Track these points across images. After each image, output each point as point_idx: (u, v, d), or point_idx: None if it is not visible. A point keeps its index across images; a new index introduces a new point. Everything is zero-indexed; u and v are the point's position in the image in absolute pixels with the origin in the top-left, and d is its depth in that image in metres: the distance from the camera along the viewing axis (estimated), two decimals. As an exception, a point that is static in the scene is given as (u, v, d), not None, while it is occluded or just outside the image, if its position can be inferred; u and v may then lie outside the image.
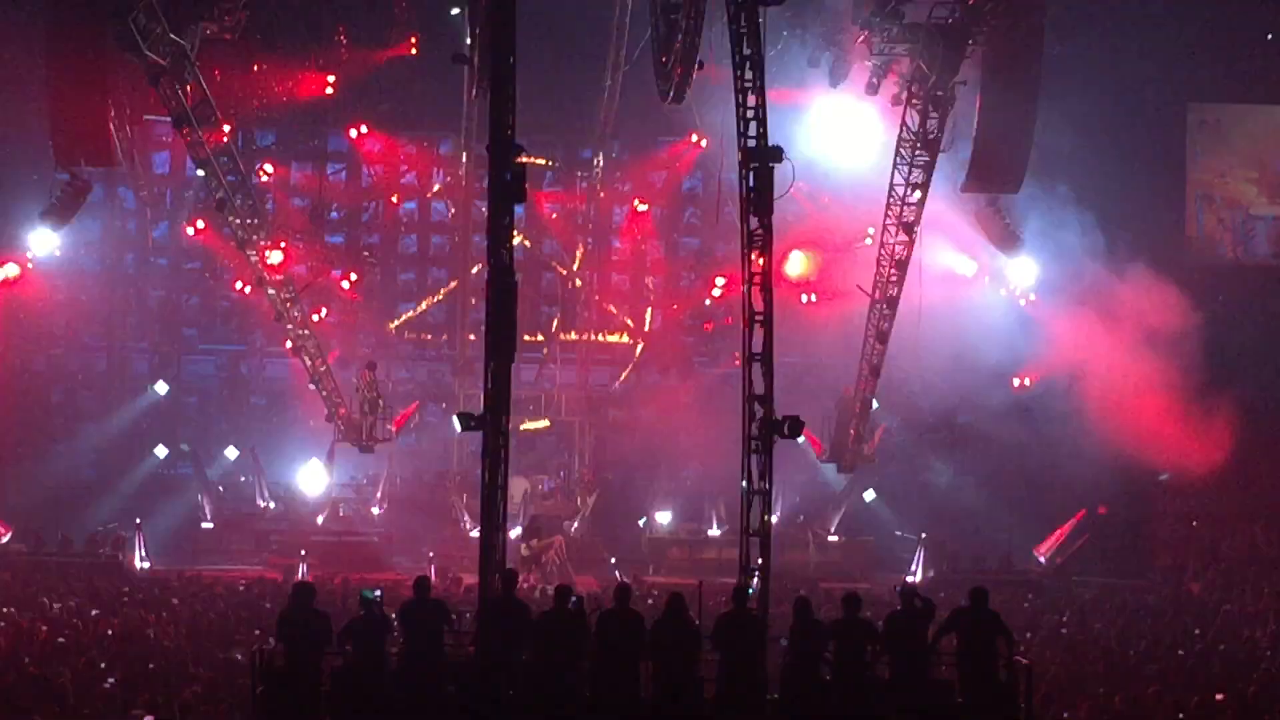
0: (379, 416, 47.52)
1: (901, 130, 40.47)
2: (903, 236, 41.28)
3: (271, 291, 43.70)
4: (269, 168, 51.48)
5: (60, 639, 28.72)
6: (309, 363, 45.52)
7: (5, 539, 44.25)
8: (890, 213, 41.32)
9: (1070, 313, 47.16)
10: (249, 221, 42.13)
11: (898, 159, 40.72)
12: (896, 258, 41.69)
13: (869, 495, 49.17)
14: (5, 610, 32.31)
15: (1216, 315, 46.63)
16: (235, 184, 41.31)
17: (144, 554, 44.21)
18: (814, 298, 49.10)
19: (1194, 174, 49.86)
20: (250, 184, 43.49)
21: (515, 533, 40.60)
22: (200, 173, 41.49)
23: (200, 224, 49.10)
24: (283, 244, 43.99)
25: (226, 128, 42.33)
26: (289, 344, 45.81)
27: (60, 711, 22.64)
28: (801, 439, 25.72)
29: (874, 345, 43.22)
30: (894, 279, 42.08)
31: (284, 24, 47.91)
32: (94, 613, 32.40)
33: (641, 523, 49.07)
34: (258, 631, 27.71)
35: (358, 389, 47.20)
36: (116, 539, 43.94)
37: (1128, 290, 45.49)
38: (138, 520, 44.91)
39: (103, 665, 25.98)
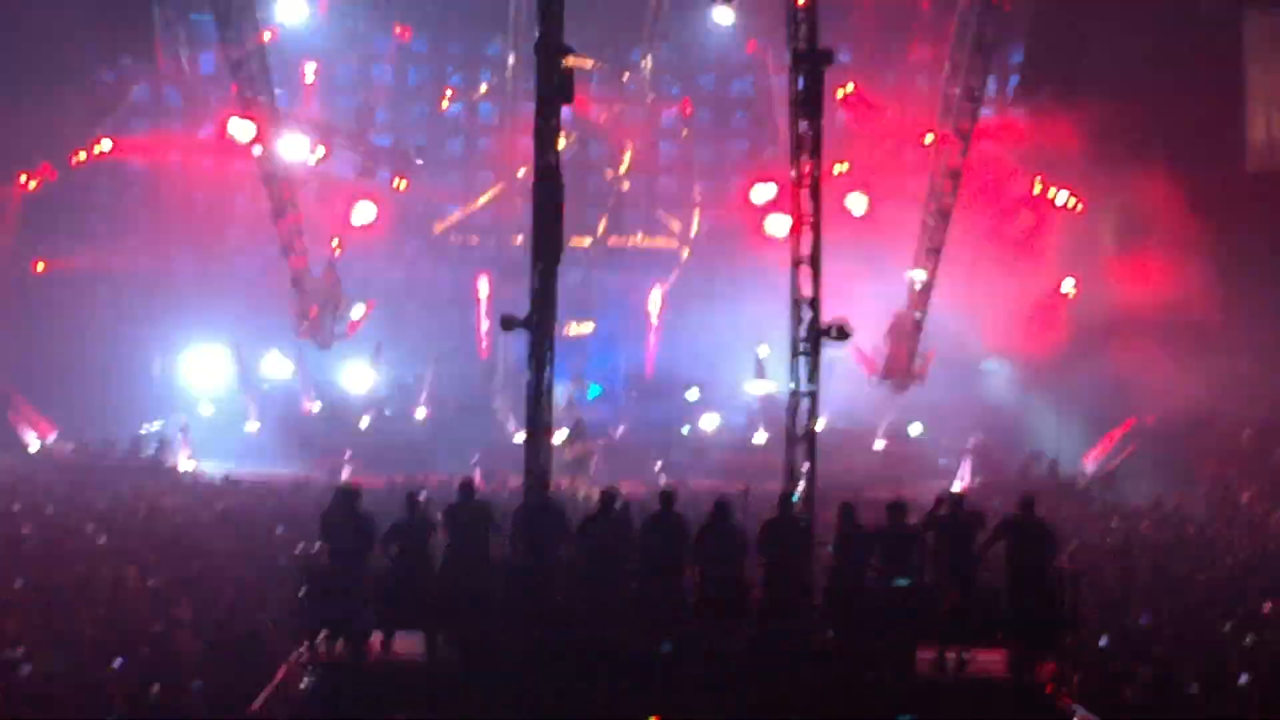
0: (337, 315, 47.41)
1: (954, 35, 40.08)
2: (957, 146, 40.84)
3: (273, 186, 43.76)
4: (312, 65, 51.40)
5: (103, 539, 28.93)
6: (295, 264, 45.43)
7: (51, 439, 44.56)
8: (943, 122, 40.93)
9: (1119, 221, 46.94)
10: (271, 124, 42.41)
11: (951, 65, 40.32)
12: (950, 169, 41.21)
13: (915, 429, 48.98)
14: (50, 510, 32.54)
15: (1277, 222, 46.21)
16: (261, 84, 41.47)
17: (190, 454, 44.49)
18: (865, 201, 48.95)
19: (1259, 81, 49.17)
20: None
21: (560, 436, 40.60)
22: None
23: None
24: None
25: (268, 35, 42.34)
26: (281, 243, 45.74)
27: (103, 611, 22.81)
28: (848, 344, 25.56)
29: (927, 259, 42.67)
30: (947, 190, 41.54)
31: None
32: (139, 514, 32.62)
33: (685, 430, 49.23)
34: (303, 533, 27.84)
35: (311, 288, 46.82)
36: (162, 440, 44.20)
37: (1184, 199, 45.15)
38: (184, 420, 45.14)
39: (148, 565, 26.18)
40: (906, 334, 44.05)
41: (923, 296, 43.03)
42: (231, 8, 39.42)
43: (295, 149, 46.24)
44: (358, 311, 48.35)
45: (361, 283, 49.30)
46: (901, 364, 44.59)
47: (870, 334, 43.45)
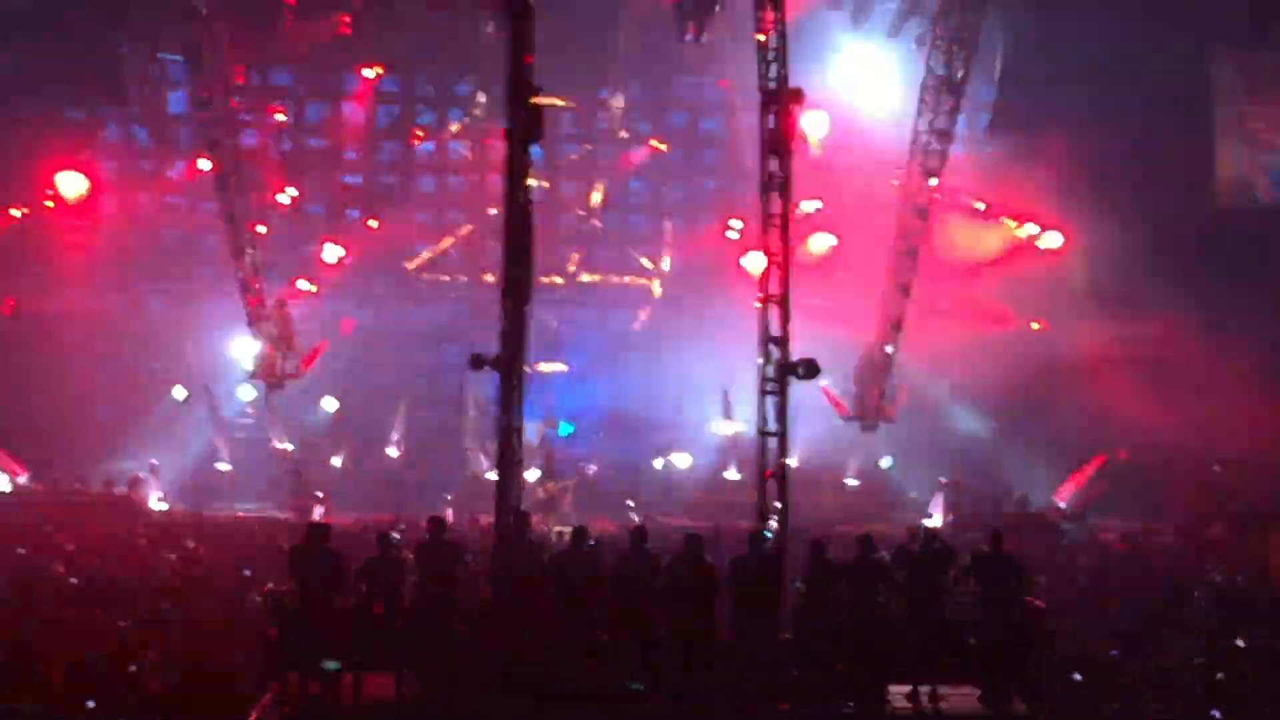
0: (290, 354, 47.25)
1: (925, 74, 40.23)
2: (926, 185, 40.92)
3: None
4: (281, 116, 51.66)
5: (73, 580, 28.82)
6: (251, 303, 45.40)
7: (21, 479, 44.41)
8: (913, 161, 41.03)
9: (1090, 257, 47.13)
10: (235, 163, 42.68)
11: (921, 104, 40.44)
12: (919, 207, 41.32)
13: (885, 462, 48.95)
14: (20, 551, 32.40)
15: (1247, 258, 46.39)
16: (231, 127, 41.84)
17: (160, 495, 44.40)
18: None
19: (1228, 118, 49.42)
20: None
21: (532, 474, 40.65)
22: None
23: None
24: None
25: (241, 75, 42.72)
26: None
27: (73, 653, 22.72)
28: (822, 382, 25.52)
29: (897, 298, 42.67)
30: (917, 230, 41.63)
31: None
32: (109, 554, 32.50)
33: (659, 464, 49.25)
34: (272, 573, 27.78)
35: (270, 326, 46.66)
36: (133, 480, 44.10)
37: (1155, 235, 45.30)
38: (153, 461, 45.06)
39: (117, 606, 26.09)
40: (876, 372, 44.06)
41: (892, 334, 43.07)
42: (201, 47, 39.58)
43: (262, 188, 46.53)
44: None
45: (331, 322, 49.45)
46: (871, 403, 44.57)
47: (840, 372, 43.64)
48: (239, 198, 43.49)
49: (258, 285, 45.14)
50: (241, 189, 43.60)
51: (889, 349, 43.33)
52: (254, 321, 45.47)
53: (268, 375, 46.62)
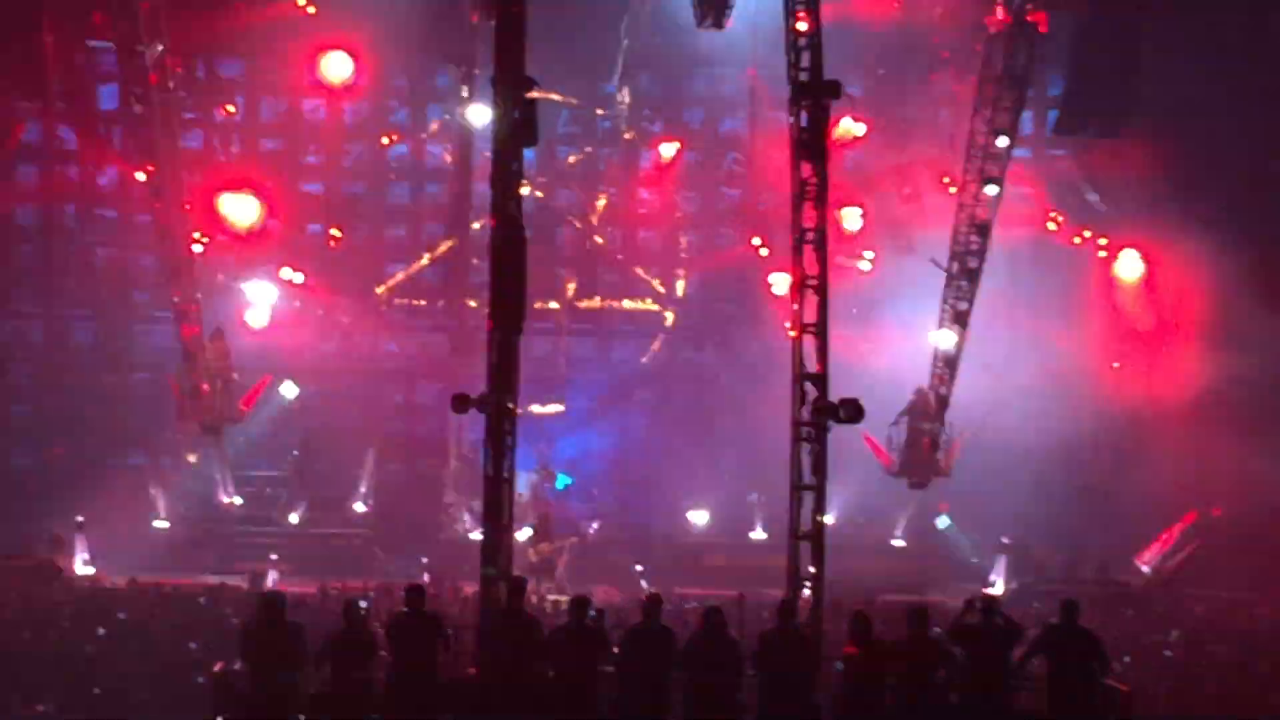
0: (231, 393, 47.09)
1: (983, 63, 40.25)
2: (985, 194, 40.82)
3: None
4: (230, 107, 51.69)
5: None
6: (188, 333, 45.36)
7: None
8: (970, 165, 40.98)
9: (1177, 280, 47.06)
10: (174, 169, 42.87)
11: (978, 98, 40.44)
12: (977, 221, 41.22)
13: (942, 522, 48.78)
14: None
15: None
16: (170, 127, 42.03)
17: (87, 558, 44.32)
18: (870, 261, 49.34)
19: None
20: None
21: (523, 534, 40.60)
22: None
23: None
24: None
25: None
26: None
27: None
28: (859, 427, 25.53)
29: (952, 326, 42.55)
30: (974, 247, 41.47)
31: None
32: (25, 628, 32.50)
33: (672, 523, 49.22)
34: (220, 650, 27.74)
35: (204, 361, 46.44)
36: (55, 540, 44.01)
37: (1255, 254, 45.18)
38: (79, 519, 44.99)
39: (37, 689, 26.10)
40: (928, 416, 43.90)
41: (947, 370, 42.97)
42: (136, 32, 39.64)
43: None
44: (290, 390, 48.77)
45: (289, 355, 49.43)
46: (922, 453, 44.36)
47: (885, 416, 43.50)
48: (177, 209, 43.58)
49: (196, 312, 45.17)
50: (181, 199, 43.70)
51: (943, 392, 43.26)
52: (189, 355, 45.46)
53: (203, 417, 46.57)
